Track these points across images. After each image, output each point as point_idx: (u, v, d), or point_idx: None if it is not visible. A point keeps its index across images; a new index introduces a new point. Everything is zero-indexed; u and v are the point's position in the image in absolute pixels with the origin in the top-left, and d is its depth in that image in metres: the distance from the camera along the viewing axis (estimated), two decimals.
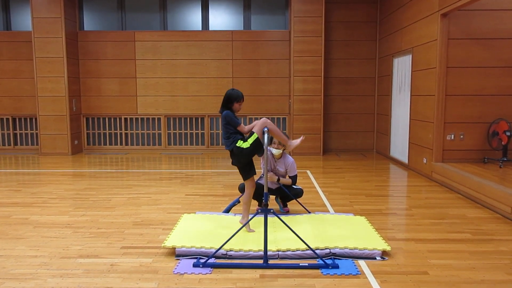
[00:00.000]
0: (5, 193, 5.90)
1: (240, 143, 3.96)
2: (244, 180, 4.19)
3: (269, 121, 4.03)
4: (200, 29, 9.87)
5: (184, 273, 3.24)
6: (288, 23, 9.63)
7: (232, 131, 4.00)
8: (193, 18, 9.92)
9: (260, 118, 4.32)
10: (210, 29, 9.87)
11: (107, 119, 10.02)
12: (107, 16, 9.93)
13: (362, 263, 3.43)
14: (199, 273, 3.24)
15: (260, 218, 4.14)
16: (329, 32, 9.61)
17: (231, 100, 4.05)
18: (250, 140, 3.94)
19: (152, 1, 9.83)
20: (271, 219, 4.17)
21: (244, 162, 4.06)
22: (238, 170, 4.19)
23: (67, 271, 3.28)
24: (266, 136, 3.77)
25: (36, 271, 3.27)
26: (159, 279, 3.14)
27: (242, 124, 4.04)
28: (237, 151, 3.97)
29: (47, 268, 3.33)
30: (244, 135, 4.06)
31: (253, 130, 4.01)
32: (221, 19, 9.91)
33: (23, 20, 9.81)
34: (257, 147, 3.97)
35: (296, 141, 4.21)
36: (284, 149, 4.69)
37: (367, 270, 3.30)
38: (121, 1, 9.81)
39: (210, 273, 3.24)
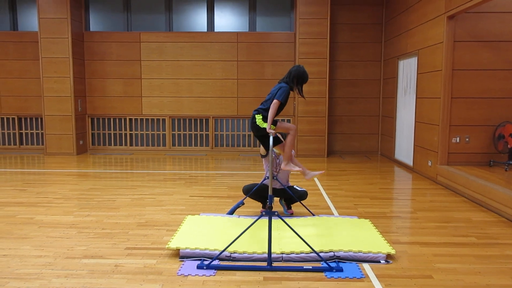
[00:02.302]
0: (10, 192, 5.93)
1: (259, 119, 4.12)
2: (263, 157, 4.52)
3: (294, 131, 4.29)
4: (206, 30, 9.89)
5: (188, 274, 3.24)
6: (293, 25, 9.62)
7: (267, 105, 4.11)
8: (198, 20, 9.94)
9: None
10: (215, 30, 9.88)
11: (112, 119, 10.05)
12: (113, 17, 9.97)
13: (366, 266, 3.42)
14: (203, 275, 3.24)
15: (264, 221, 4.13)
16: (334, 34, 9.60)
17: (303, 80, 4.16)
18: (266, 126, 4.07)
19: (157, 2, 9.86)
20: (275, 221, 4.16)
21: (256, 133, 4.27)
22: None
23: (71, 271, 3.29)
24: (271, 138, 3.77)
25: (40, 271, 3.29)
26: (163, 281, 3.15)
27: (278, 103, 4.02)
28: (252, 122, 4.21)
29: (51, 268, 3.34)
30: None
31: (281, 127, 4.23)
32: (226, 21, 9.92)
33: (30, 21, 9.86)
34: (263, 133, 4.14)
35: (291, 167, 4.37)
36: None
37: (372, 273, 3.28)
38: (127, 2, 9.85)
39: (214, 275, 3.24)
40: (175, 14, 9.91)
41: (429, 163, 6.90)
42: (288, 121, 9.86)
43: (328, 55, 9.16)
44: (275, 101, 4.01)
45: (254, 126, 4.19)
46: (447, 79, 6.39)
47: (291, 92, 4.17)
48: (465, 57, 6.37)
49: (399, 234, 4.25)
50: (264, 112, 4.12)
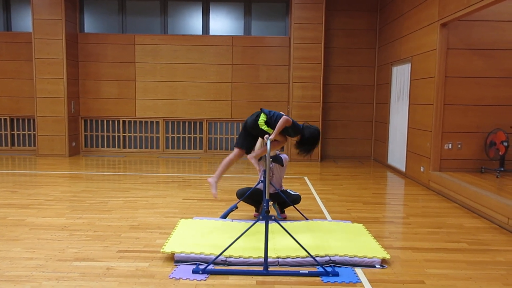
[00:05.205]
0: (1, 194, 5.87)
1: (262, 120, 4.12)
2: (237, 145, 4.38)
3: (283, 144, 4.27)
4: (201, 33, 9.90)
5: (180, 278, 3.23)
6: (288, 30, 9.66)
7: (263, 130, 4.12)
8: (193, 23, 9.94)
9: None
10: (210, 33, 9.90)
11: (105, 121, 10.00)
12: (108, 18, 9.94)
13: (359, 271, 3.42)
14: (194, 279, 3.22)
15: (258, 225, 4.12)
16: (329, 39, 9.65)
17: (316, 142, 4.15)
18: (266, 128, 4.10)
19: (153, 4, 9.85)
20: (270, 225, 4.15)
21: (250, 129, 4.25)
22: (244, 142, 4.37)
23: (62, 274, 3.26)
24: (268, 143, 3.77)
25: (31, 274, 3.25)
26: (156, 284, 3.13)
27: (289, 122, 4.05)
28: (255, 118, 4.18)
29: (42, 271, 3.30)
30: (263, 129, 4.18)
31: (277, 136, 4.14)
32: (222, 24, 9.94)
33: (24, 21, 9.80)
34: (256, 132, 4.21)
35: (255, 162, 4.39)
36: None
37: (364, 278, 3.29)
38: (122, 4, 9.83)
39: (205, 280, 3.22)
40: (170, 17, 9.91)
41: (422, 169, 6.94)
42: None
43: (322, 60, 9.20)
44: (287, 119, 4.02)
45: (255, 123, 4.16)
46: (440, 85, 6.45)
47: (289, 129, 4.10)
48: (458, 65, 6.43)
49: (392, 239, 4.27)
50: (268, 119, 4.12)
